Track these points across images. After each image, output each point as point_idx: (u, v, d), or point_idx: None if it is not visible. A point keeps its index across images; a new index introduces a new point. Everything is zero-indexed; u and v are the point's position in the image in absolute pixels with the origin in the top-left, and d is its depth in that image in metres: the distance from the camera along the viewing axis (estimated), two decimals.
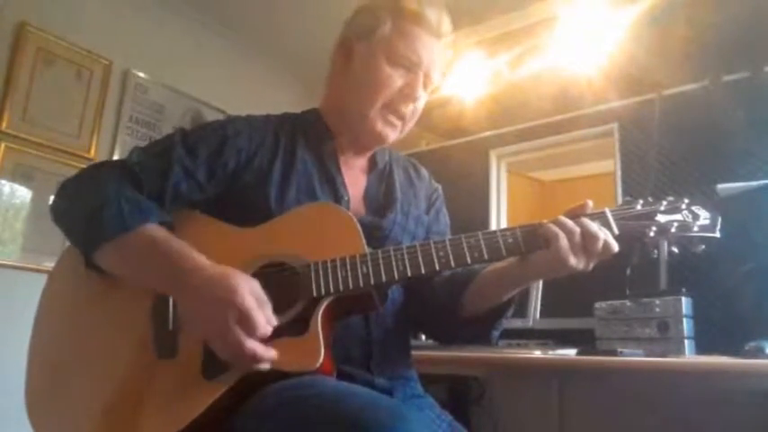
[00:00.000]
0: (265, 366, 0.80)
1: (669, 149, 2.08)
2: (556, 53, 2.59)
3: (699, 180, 1.95)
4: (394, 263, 0.87)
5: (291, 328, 0.84)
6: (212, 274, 0.81)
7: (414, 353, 1.11)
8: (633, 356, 1.39)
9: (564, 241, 0.85)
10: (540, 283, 2.12)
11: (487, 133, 2.77)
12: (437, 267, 0.88)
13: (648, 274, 1.74)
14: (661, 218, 0.90)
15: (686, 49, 2.18)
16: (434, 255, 0.88)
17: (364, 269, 0.86)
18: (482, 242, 0.88)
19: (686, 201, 0.91)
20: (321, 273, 0.86)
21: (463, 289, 1.02)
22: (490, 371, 1.85)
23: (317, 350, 0.81)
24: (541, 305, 2.13)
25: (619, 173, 2.23)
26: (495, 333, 1.04)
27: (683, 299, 1.56)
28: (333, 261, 0.87)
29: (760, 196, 1.59)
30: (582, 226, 0.86)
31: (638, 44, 2.37)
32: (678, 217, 0.90)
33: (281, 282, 0.87)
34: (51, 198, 0.97)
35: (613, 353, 1.40)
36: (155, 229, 0.88)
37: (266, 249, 0.91)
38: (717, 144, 1.95)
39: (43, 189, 2.32)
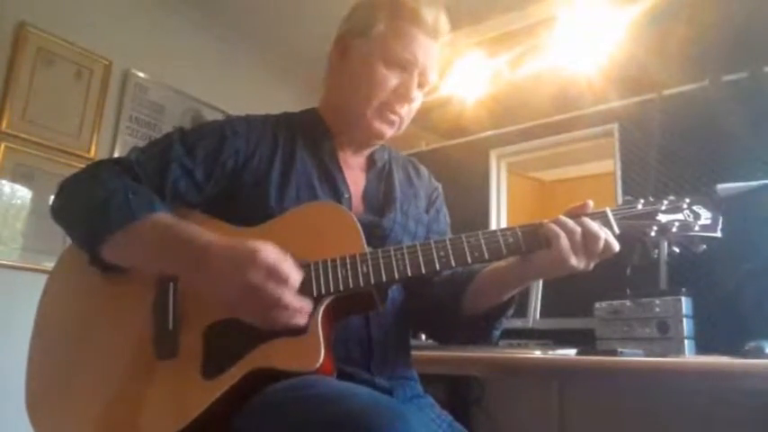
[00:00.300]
0: (303, 320, 0.80)
1: (669, 149, 2.08)
2: (556, 53, 2.58)
3: (699, 180, 1.95)
4: (394, 262, 0.87)
5: (291, 328, 0.84)
6: (228, 243, 0.82)
7: (414, 353, 1.11)
8: (633, 356, 1.39)
9: (565, 241, 0.85)
10: (540, 282, 2.12)
11: (487, 133, 2.77)
12: (437, 267, 0.88)
13: (648, 274, 1.74)
14: (662, 217, 0.90)
15: (686, 49, 2.18)
16: (435, 254, 0.88)
17: (364, 269, 0.86)
18: (482, 242, 0.88)
19: (687, 200, 0.91)
20: (321, 272, 0.86)
21: (463, 288, 1.02)
22: (490, 371, 1.85)
23: (317, 350, 0.81)
24: (541, 305, 2.13)
25: (619, 173, 2.23)
26: (496, 333, 1.04)
27: (683, 299, 1.56)
28: (333, 260, 0.87)
29: (760, 196, 1.59)
30: (583, 225, 0.86)
31: (638, 44, 2.37)
32: (679, 216, 0.90)
33: None
34: (51, 198, 0.97)
35: (613, 353, 1.40)
36: (163, 216, 0.88)
37: None
38: (717, 144, 1.95)
39: (43, 189, 2.32)
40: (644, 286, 1.66)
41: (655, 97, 2.18)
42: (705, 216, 0.90)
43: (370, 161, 1.14)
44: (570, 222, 0.87)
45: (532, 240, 0.88)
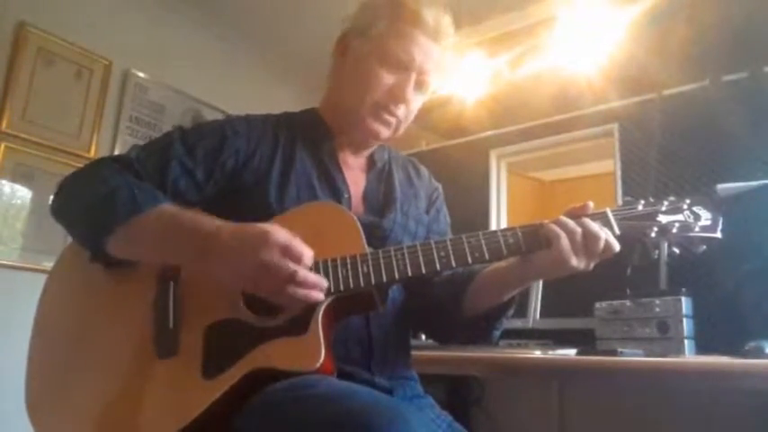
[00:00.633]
0: (320, 295, 0.81)
1: (669, 149, 2.08)
2: (556, 53, 2.59)
3: (699, 180, 1.95)
4: (394, 262, 0.87)
5: (291, 328, 0.84)
6: (237, 226, 0.82)
7: (414, 353, 1.11)
8: (633, 356, 1.39)
9: (565, 241, 0.85)
10: (540, 283, 2.12)
11: (487, 133, 2.77)
12: (438, 267, 0.88)
13: (648, 274, 1.74)
14: (662, 218, 0.90)
15: (686, 49, 2.18)
16: (435, 254, 0.88)
17: (365, 269, 0.86)
18: (483, 242, 0.88)
19: (688, 201, 0.91)
20: (321, 272, 0.86)
21: (464, 289, 1.02)
22: (490, 371, 1.85)
23: (317, 350, 0.81)
24: (541, 305, 2.13)
25: (619, 173, 2.23)
26: (496, 333, 1.04)
27: (683, 299, 1.56)
28: (333, 260, 0.87)
29: (760, 196, 1.59)
30: (583, 226, 0.86)
31: (638, 44, 2.37)
32: (679, 217, 0.90)
33: None
34: (51, 197, 0.97)
35: (613, 353, 1.40)
36: (168, 206, 0.88)
37: None
38: (717, 144, 1.95)
39: (43, 189, 2.32)
40: (644, 286, 1.66)
41: (655, 97, 2.17)
42: (705, 217, 0.90)
43: (370, 161, 1.14)
44: (571, 223, 0.87)
45: (533, 241, 0.89)
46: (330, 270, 0.86)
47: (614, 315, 1.66)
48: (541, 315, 2.12)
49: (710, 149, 1.97)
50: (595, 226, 0.87)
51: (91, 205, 0.90)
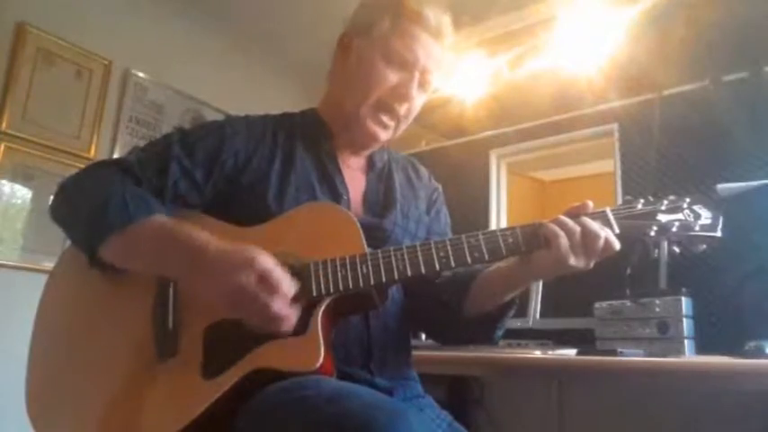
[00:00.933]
0: (288, 329, 0.81)
1: (669, 149, 2.08)
2: (555, 53, 2.58)
3: (699, 180, 1.95)
4: (394, 263, 0.87)
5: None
6: (226, 246, 0.82)
7: (414, 353, 1.11)
8: (633, 356, 1.39)
9: (564, 241, 0.85)
10: (540, 283, 2.12)
11: (487, 133, 2.77)
12: (437, 267, 0.88)
13: (648, 274, 1.74)
14: (662, 217, 0.90)
15: (686, 49, 2.18)
16: (435, 255, 0.88)
17: (364, 269, 0.86)
18: (482, 242, 0.88)
19: (687, 200, 0.91)
20: (321, 272, 0.86)
21: (465, 289, 1.02)
22: (490, 371, 1.85)
23: (317, 350, 0.81)
24: (541, 305, 2.13)
25: (619, 173, 2.23)
26: (498, 333, 1.04)
27: (683, 299, 1.56)
28: (333, 261, 0.87)
29: (760, 196, 1.59)
30: (582, 225, 0.86)
31: (638, 44, 2.36)
32: (679, 216, 0.90)
33: None
34: (51, 198, 0.97)
35: (613, 353, 1.40)
36: (161, 218, 0.88)
37: (265, 249, 0.90)
38: (717, 144, 1.95)
39: (43, 189, 2.32)
40: (644, 286, 1.66)
41: (655, 97, 2.18)
42: (705, 216, 0.90)
43: (370, 162, 1.14)
44: (570, 222, 0.87)
45: (532, 240, 0.88)
46: (330, 270, 0.86)
47: (614, 315, 1.66)
48: (541, 315, 2.12)
49: (710, 149, 1.97)
50: (595, 225, 0.87)
51: (85, 212, 0.90)
